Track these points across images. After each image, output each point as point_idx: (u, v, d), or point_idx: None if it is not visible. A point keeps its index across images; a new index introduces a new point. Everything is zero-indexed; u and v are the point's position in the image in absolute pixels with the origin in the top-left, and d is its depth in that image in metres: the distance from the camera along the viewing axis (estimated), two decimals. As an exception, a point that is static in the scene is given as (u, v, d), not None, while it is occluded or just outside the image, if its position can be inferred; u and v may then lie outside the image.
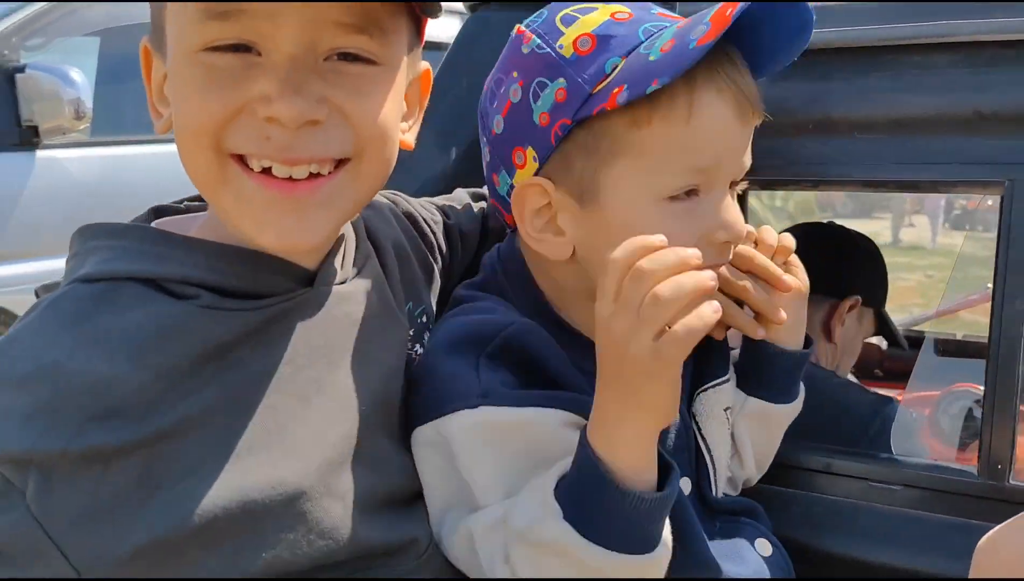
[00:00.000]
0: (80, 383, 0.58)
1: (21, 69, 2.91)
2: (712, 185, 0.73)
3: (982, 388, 1.13)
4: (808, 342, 0.87)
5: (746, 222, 0.77)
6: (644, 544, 0.65)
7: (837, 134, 0.82)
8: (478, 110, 0.84)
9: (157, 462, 0.59)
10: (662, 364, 0.61)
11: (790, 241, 0.83)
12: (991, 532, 0.60)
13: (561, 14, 0.77)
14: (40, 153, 2.99)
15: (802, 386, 0.90)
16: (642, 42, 0.72)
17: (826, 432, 0.96)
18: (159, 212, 0.74)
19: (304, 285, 0.69)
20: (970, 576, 0.60)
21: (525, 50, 0.77)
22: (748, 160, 0.77)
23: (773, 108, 0.76)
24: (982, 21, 0.75)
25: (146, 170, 3.26)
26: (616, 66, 0.72)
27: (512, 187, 0.78)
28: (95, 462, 0.57)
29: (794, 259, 0.84)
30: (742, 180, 0.77)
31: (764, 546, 0.82)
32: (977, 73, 0.76)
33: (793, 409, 0.89)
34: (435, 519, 0.73)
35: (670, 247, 0.61)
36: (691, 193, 0.72)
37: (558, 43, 0.74)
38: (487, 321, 0.76)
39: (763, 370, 0.87)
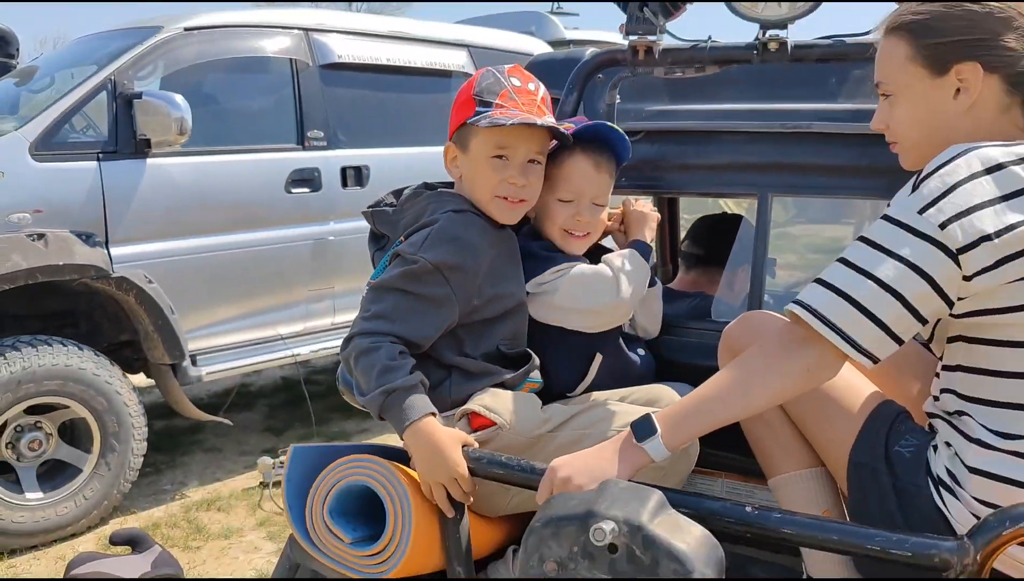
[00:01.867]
0: (468, 243, 1.48)
1: (138, 95, 3.75)
2: (513, 157, 1.54)
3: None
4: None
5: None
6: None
7: (690, 172, 1.73)
8: None
9: (484, 277, 1.51)
10: None
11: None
12: (730, 323, 1.48)
13: None
14: (149, 160, 3.84)
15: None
16: None
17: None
18: (427, 185, 1.64)
19: (500, 227, 1.60)
20: (719, 351, 1.49)
21: None
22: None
23: (661, 161, 1.66)
24: (755, 122, 1.67)
25: (220, 174, 4.08)
26: None
27: None
28: (471, 274, 1.49)
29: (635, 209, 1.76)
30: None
31: (640, 352, 1.73)
32: (750, 144, 1.67)
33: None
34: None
35: None
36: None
37: None
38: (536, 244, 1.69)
39: None
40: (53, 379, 3.49)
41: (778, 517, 1.04)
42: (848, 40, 1.56)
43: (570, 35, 6.44)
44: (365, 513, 1.32)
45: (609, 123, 1.63)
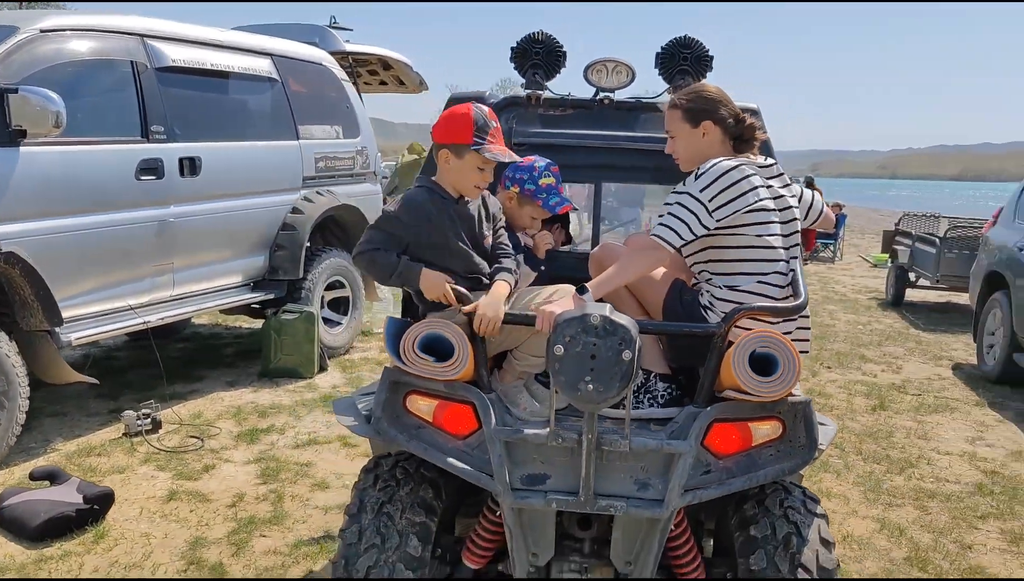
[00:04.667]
0: (415, 204, 2.46)
1: (14, 90, 4.18)
2: (486, 169, 2.53)
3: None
4: None
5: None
6: None
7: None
8: None
9: (425, 224, 2.45)
10: None
11: None
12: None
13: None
14: (22, 149, 4.28)
15: None
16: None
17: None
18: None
19: (455, 200, 2.56)
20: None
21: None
22: None
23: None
24: (594, 141, 2.95)
25: (81, 162, 4.55)
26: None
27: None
28: (414, 220, 2.44)
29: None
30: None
31: (542, 268, 2.94)
32: (589, 155, 2.96)
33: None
34: None
35: None
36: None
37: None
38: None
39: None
40: (-48, 344, 3.90)
41: (645, 322, 2.33)
42: (644, 100, 2.92)
43: (349, 48, 7.42)
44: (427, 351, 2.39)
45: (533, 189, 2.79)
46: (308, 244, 6.19)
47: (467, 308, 2.33)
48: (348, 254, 6.82)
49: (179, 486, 4.10)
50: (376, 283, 7.23)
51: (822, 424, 2.54)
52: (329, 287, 6.65)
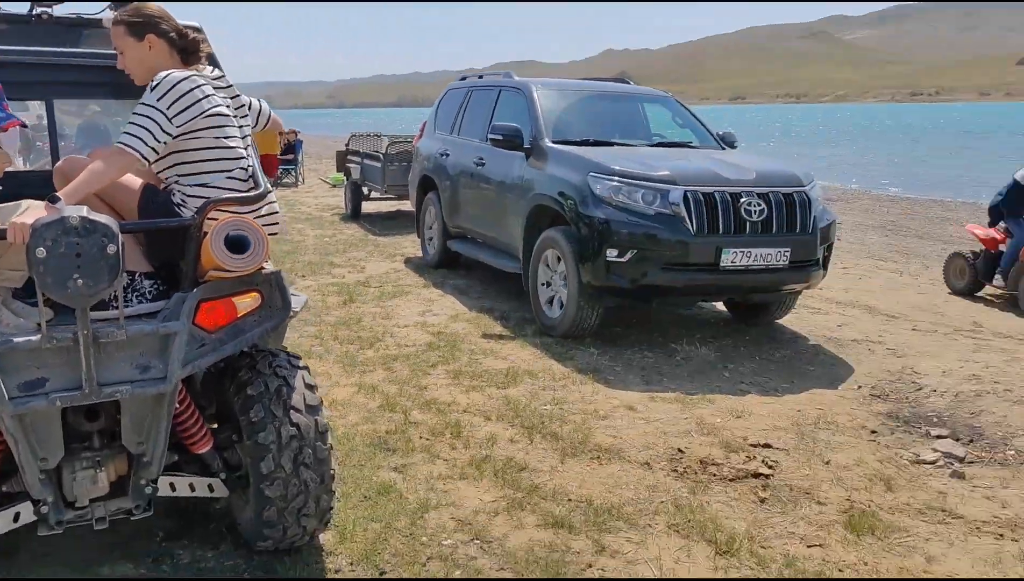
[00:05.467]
0: None
1: None
2: None
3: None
4: None
5: None
6: None
7: (9, 86, 2.91)
8: None
9: None
10: None
11: None
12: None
13: None
14: None
15: None
16: None
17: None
18: None
19: None
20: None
21: None
22: None
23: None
24: (43, 57, 2.93)
25: None
26: None
27: None
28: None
29: None
30: None
31: (0, 188, 2.88)
32: (35, 72, 2.95)
33: None
34: None
35: None
36: None
37: None
38: None
39: None
40: None
41: (125, 222, 2.55)
42: (85, 16, 2.97)
43: None
44: None
45: None
46: None
47: None
48: None
49: None
50: None
51: (294, 295, 3.06)
52: None
